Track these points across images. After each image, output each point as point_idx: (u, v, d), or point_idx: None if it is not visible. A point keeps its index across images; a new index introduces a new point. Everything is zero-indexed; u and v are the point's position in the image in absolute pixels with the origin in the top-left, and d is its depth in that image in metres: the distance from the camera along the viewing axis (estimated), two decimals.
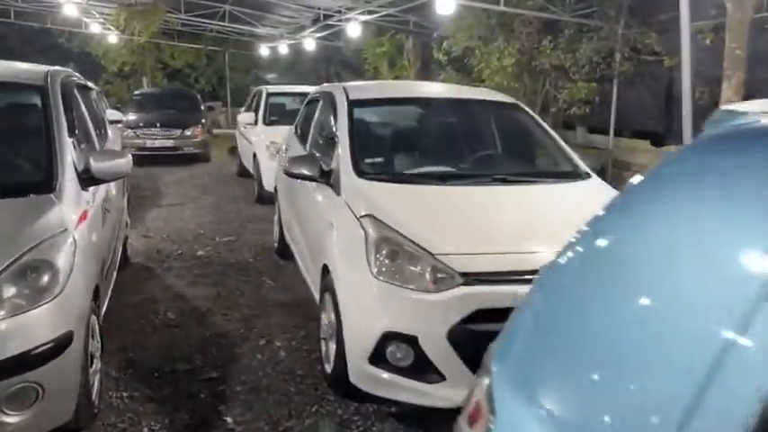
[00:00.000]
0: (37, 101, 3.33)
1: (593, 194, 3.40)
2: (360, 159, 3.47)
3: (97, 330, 2.95)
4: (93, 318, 2.87)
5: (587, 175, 3.62)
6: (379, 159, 3.70)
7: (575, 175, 3.62)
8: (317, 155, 4.03)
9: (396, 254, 2.80)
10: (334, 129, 3.85)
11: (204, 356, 3.61)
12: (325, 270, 3.27)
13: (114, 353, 3.58)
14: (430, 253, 2.73)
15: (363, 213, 3.02)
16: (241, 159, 10.10)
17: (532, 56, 7.88)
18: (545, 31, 7.86)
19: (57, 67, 3.80)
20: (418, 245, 2.76)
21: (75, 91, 3.97)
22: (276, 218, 5.70)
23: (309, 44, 13.95)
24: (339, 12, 10.66)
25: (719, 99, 6.49)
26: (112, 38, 17.00)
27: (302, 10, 11.95)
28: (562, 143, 3.92)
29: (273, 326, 4.07)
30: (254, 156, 8.29)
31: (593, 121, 7.98)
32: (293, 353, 3.67)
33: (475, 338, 2.60)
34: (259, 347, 3.74)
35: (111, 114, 7.19)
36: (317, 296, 3.64)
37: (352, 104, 3.85)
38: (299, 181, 3.83)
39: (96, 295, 2.97)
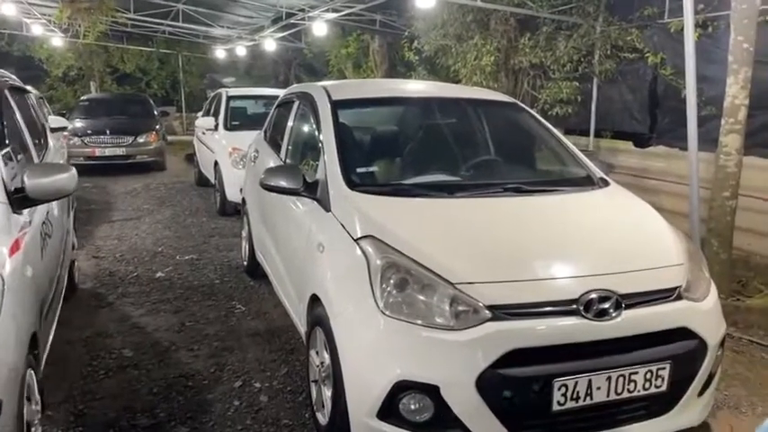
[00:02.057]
0: None
1: (620, 205, 3.01)
2: (350, 169, 2.98)
3: (36, 389, 2.37)
4: (31, 373, 2.29)
5: (604, 182, 3.22)
6: (372, 168, 3.21)
7: (590, 181, 3.21)
8: (298, 165, 3.52)
9: (405, 283, 2.32)
10: (316, 134, 3.35)
11: (170, 405, 3.04)
12: (315, 300, 2.76)
13: (59, 406, 2.98)
14: (448, 281, 2.26)
15: (362, 234, 2.53)
16: (200, 167, 9.44)
17: (508, 54, 7.53)
18: (521, 29, 7.51)
19: None
20: (433, 272, 2.29)
21: (8, 93, 3.36)
22: (245, 233, 5.14)
23: (270, 45, 13.31)
24: (302, 10, 10.11)
25: (705, 96, 6.26)
26: (57, 40, 15.95)
27: (261, 9, 11.34)
28: (571, 146, 3.52)
29: (249, 362, 3.52)
30: (216, 164, 7.67)
31: (570, 121, 7.65)
32: (276, 396, 3.14)
33: (509, 386, 2.16)
34: (235, 391, 3.19)
35: (55, 121, 6.47)
36: (302, 329, 3.12)
37: (336, 105, 3.36)
38: (273, 193, 3.30)
39: (34, 344, 2.39)
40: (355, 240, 2.53)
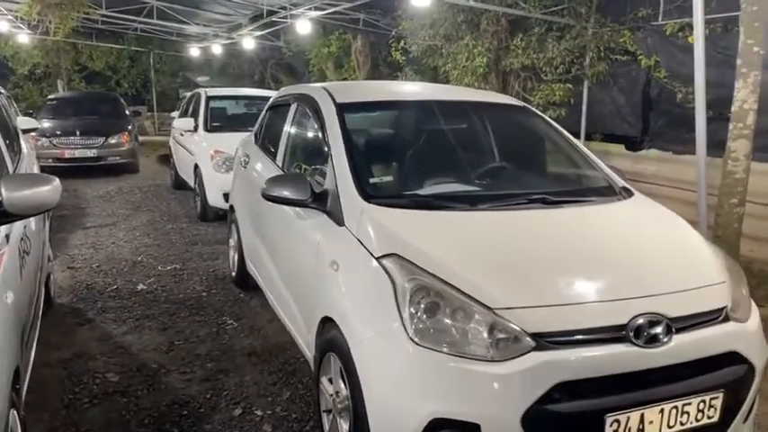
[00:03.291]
0: None
1: (651, 217, 2.84)
2: (363, 179, 2.74)
3: (19, 430, 2.08)
4: (13, 414, 2.00)
5: (627, 191, 3.04)
6: (386, 178, 2.97)
7: (612, 191, 3.03)
8: (303, 173, 3.27)
9: (436, 307, 2.10)
10: (321, 140, 3.10)
11: None
12: (327, 323, 2.53)
13: None
14: (486, 306, 2.04)
15: (384, 252, 2.30)
16: (177, 170, 9.09)
17: (499, 55, 7.37)
18: (512, 30, 7.36)
19: None
20: (469, 295, 2.07)
21: None
22: (233, 242, 4.86)
23: (248, 44, 12.94)
24: (284, 8, 9.80)
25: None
26: (23, 37, 15.30)
27: (239, 6, 11.00)
28: (589, 153, 3.34)
29: (248, 386, 3.26)
30: (196, 167, 7.34)
31: (561, 123, 7.53)
32: (281, 426, 2.88)
33: (558, 423, 1.96)
34: (235, 420, 2.92)
35: (24, 122, 6.08)
36: (309, 353, 2.88)
37: (343, 109, 3.11)
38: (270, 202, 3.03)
39: (17, 378, 2.10)
40: (377, 259, 2.30)
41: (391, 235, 2.37)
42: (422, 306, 2.10)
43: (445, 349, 2.01)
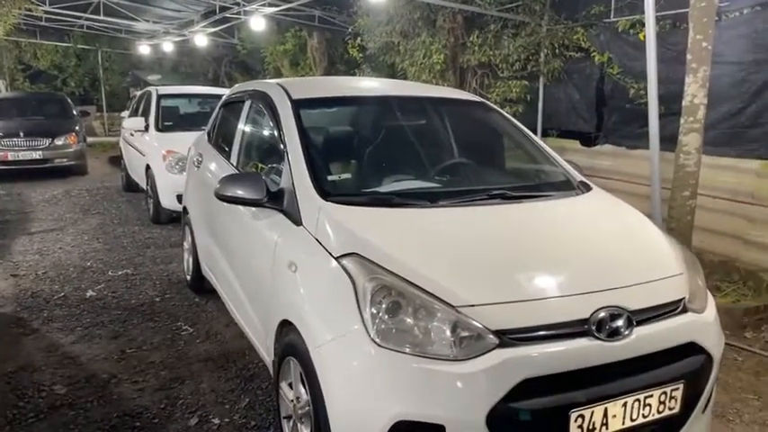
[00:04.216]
0: None
1: (610, 211, 2.85)
2: (321, 176, 2.67)
3: None
4: None
5: (585, 186, 3.05)
6: (344, 175, 2.90)
7: (570, 185, 3.04)
8: (258, 172, 3.17)
9: (398, 307, 2.04)
10: (276, 137, 3.01)
11: None
12: (286, 326, 2.44)
13: None
14: (449, 304, 2.00)
15: (344, 251, 2.23)
16: (128, 171, 8.82)
17: (456, 52, 7.38)
18: (468, 27, 7.38)
19: None
20: (431, 293, 2.02)
21: None
22: (187, 245, 4.71)
23: (200, 41, 12.63)
24: (237, 4, 9.59)
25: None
26: None
27: (190, 3, 10.73)
28: (547, 148, 3.34)
29: (204, 393, 3.14)
30: (148, 168, 7.12)
31: (517, 120, 7.59)
32: None
33: (523, 421, 1.92)
34: (191, 430, 2.81)
35: None
36: (267, 358, 2.78)
37: (299, 105, 3.03)
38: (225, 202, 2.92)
39: None
40: (336, 258, 2.23)
41: (350, 234, 2.30)
42: (383, 306, 2.04)
43: (408, 350, 1.96)
